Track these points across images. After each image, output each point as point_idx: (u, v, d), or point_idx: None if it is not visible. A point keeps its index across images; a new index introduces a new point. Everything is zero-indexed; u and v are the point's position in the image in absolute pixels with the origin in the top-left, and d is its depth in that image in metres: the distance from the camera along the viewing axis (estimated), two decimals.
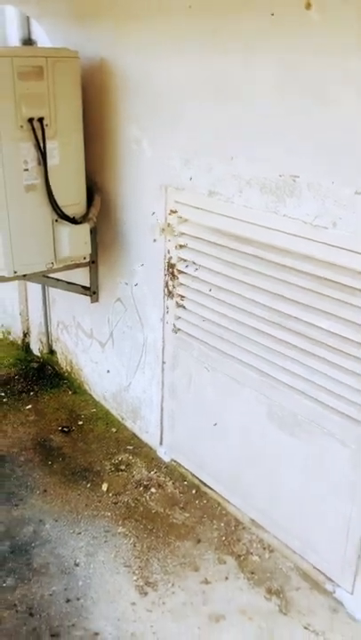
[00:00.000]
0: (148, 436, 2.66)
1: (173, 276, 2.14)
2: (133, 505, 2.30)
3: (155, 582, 1.94)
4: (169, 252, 2.12)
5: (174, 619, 1.80)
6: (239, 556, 2.04)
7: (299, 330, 1.77)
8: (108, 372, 2.84)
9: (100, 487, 2.40)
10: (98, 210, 2.36)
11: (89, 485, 2.41)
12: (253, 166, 1.70)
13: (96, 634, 1.76)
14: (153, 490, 2.39)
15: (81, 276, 2.66)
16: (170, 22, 1.84)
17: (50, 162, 2.08)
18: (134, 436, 2.73)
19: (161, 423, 2.53)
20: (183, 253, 2.07)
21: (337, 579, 1.87)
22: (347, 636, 1.77)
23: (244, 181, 1.74)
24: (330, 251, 1.60)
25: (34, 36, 2.47)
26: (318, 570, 1.93)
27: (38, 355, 3.21)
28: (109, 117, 2.22)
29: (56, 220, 2.18)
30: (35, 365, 3.18)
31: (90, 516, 2.23)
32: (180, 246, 2.08)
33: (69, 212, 2.20)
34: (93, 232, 2.43)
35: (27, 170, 2.04)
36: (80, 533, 2.15)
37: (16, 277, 2.22)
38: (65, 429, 2.76)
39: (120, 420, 2.85)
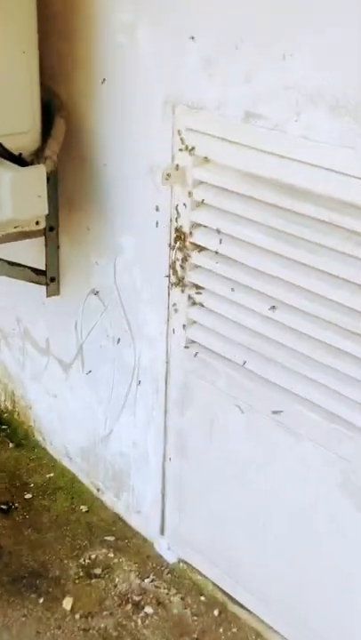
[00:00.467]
0: (141, 519, 2.66)
1: (185, 254, 2.13)
2: (116, 635, 2.30)
3: None
4: (178, 214, 2.12)
5: None
6: None
7: None
8: (75, 411, 2.84)
9: (61, 604, 2.42)
10: (60, 143, 2.36)
11: (42, 601, 2.43)
12: (322, 70, 1.68)
13: None
14: (149, 610, 2.40)
15: (31, 253, 2.67)
16: None
17: None
18: (118, 519, 2.75)
19: (162, 499, 2.54)
20: (201, 215, 2.07)
21: None
22: None
23: (304, 96, 1.73)
24: None
25: None
26: None
27: None
28: None
29: None
30: None
31: None
32: (197, 204, 2.07)
33: (11, 145, 2.20)
34: (53, 180, 2.42)
35: None
36: None
37: None
38: (3, 507, 2.77)
39: (94, 492, 2.86)
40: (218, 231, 2.03)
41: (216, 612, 2.38)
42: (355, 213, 1.72)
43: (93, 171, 2.40)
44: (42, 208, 2.27)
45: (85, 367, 2.72)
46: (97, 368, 2.66)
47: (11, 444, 3.09)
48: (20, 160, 2.23)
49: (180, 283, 2.17)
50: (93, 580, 2.50)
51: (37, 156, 2.28)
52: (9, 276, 2.64)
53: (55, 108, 2.38)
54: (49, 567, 2.54)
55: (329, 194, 1.75)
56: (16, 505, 2.79)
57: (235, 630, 2.33)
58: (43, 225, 2.35)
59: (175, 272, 2.17)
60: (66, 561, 2.57)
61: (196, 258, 2.12)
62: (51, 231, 2.57)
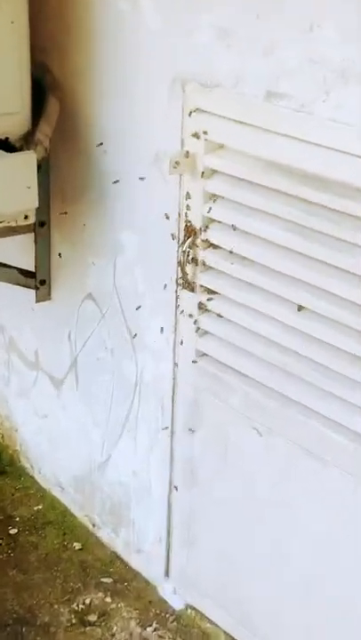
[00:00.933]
0: (143, 558, 2.67)
1: (195, 253, 2.14)
2: None
3: None
4: (187, 208, 2.13)
5: None
6: None
7: None
8: (67, 434, 2.84)
9: None
10: (53, 126, 2.37)
11: None
12: (355, 42, 1.68)
13: None
14: None
15: (18, 252, 2.68)
16: None
17: None
18: (116, 558, 2.75)
19: (167, 535, 2.54)
20: (214, 209, 2.07)
21: None
22: None
23: (333, 72, 1.73)
24: None
25: None
26: None
27: None
28: None
29: None
30: None
31: None
32: (210, 196, 2.07)
33: None
34: (44, 168, 2.43)
35: None
36: None
37: None
38: None
39: (89, 527, 2.86)
40: (233, 227, 2.03)
41: None
42: None
43: (91, 158, 2.41)
44: (31, 200, 2.28)
45: (80, 383, 2.72)
46: (93, 384, 2.67)
47: None
48: (6, 145, 2.24)
49: (190, 286, 2.18)
50: (88, 628, 2.49)
51: (27, 141, 2.29)
52: None
53: (48, 86, 2.40)
54: (37, 613, 2.54)
55: None
56: (0, 541, 2.79)
57: None
58: (32, 220, 2.35)
59: (184, 274, 2.18)
60: (56, 606, 2.56)
61: (208, 258, 2.12)
62: (41, 227, 2.58)
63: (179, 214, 2.16)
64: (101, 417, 2.66)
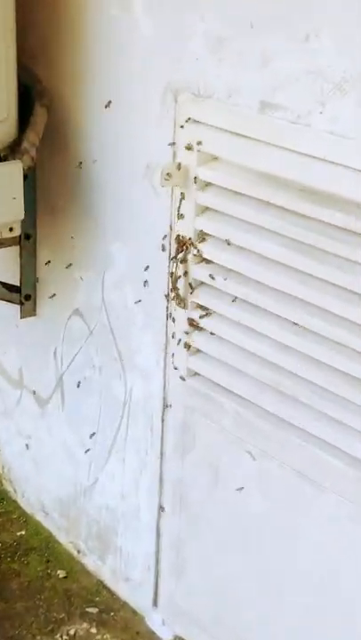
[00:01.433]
0: (130, 587, 2.66)
1: (187, 268, 2.16)
2: None
3: None
4: (179, 221, 2.14)
5: None
6: None
7: None
8: (52, 456, 2.84)
9: None
10: (40, 135, 2.38)
11: None
12: (352, 53, 1.70)
13: None
14: None
15: (2, 266, 2.70)
16: None
17: None
18: (102, 586, 2.74)
19: (156, 562, 2.54)
20: (207, 223, 2.09)
21: None
22: None
23: (330, 83, 1.75)
24: None
25: None
26: None
27: None
28: None
29: None
30: None
31: None
32: (203, 209, 2.09)
33: None
34: (30, 178, 2.45)
35: None
36: None
37: None
38: None
39: (74, 554, 2.85)
40: (227, 242, 2.04)
41: None
42: None
43: (80, 169, 2.42)
44: (17, 212, 2.29)
45: (66, 403, 2.72)
46: (80, 404, 2.67)
47: None
48: None
49: (182, 302, 2.19)
50: None
51: (12, 151, 2.30)
52: None
53: (35, 93, 2.40)
54: None
55: (359, 200, 1.76)
56: None
57: None
58: (18, 232, 2.37)
59: (175, 290, 2.18)
60: (39, 637, 2.55)
61: (200, 273, 2.13)
62: (27, 239, 2.59)
63: (170, 228, 2.17)
64: (89, 438, 2.67)
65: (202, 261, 2.13)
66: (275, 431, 2.08)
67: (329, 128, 1.77)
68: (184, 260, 2.15)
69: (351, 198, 1.77)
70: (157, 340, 2.32)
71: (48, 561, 2.83)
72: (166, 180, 2.07)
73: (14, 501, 3.05)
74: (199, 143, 2.03)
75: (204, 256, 2.11)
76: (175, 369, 2.28)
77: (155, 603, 2.58)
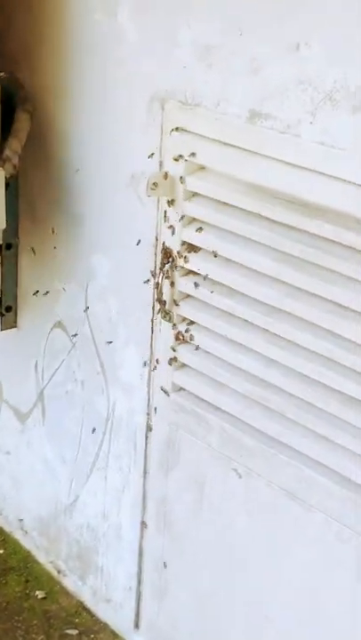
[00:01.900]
0: (111, 608, 2.66)
1: (173, 281, 2.16)
2: None
3: None
4: (165, 232, 2.15)
5: None
6: None
7: None
8: (32, 473, 2.83)
9: None
10: (23, 142, 2.38)
11: None
12: (344, 62, 1.72)
13: None
14: None
15: None
16: None
17: None
18: (82, 607, 2.73)
19: (138, 583, 2.54)
20: (193, 234, 2.09)
21: None
22: None
23: (321, 93, 1.76)
24: None
25: None
26: None
27: None
28: None
29: None
30: None
31: None
32: (189, 220, 2.10)
33: None
34: (12, 187, 2.46)
35: None
36: None
37: None
38: None
39: (54, 574, 2.85)
40: (214, 254, 2.05)
41: None
42: None
43: (63, 177, 2.43)
44: None
45: (47, 417, 2.72)
46: (61, 419, 2.67)
47: None
48: None
49: (167, 315, 2.19)
50: None
51: None
52: None
53: (18, 100, 2.41)
54: None
55: (349, 212, 1.77)
56: None
57: None
58: None
59: (161, 302, 2.19)
60: None
61: (186, 285, 2.14)
62: (8, 249, 2.59)
63: (156, 239, 2.18)
64: (69, 454, 2.66)
65: (188, 273, 2.14)
66: (261, 448, 2.08)
67: (319, 138, 1.78)
68: (170, 272, 2.16)
69: (341, 210, 1.78)
70: (141, 354, 2.32)
71: (27, 581, 2.82)
72: (152, 189, 2.08)
73: None
74: (186, 152, 2.03)
75: (190, 268, 2.12)
76: (159, 383, 2.29)
77: (136, 625, 2.58)
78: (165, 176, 2.08)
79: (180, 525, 2.36)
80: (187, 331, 2.17)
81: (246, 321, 2.03)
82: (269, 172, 1.88)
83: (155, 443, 2.36)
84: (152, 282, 2.22)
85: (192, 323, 2.16)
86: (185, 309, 2.16)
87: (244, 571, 2.23)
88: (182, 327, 2.18)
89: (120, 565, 2.58)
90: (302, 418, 1.98)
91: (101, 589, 2.67)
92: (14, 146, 2.34)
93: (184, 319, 2.18)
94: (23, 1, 2.36)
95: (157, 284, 2.18)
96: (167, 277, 2.16)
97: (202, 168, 2.05)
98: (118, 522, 2.55)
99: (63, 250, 2.49)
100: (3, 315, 2.66)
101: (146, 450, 2.39)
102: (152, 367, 2.30)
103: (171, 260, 2.14)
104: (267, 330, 2.00)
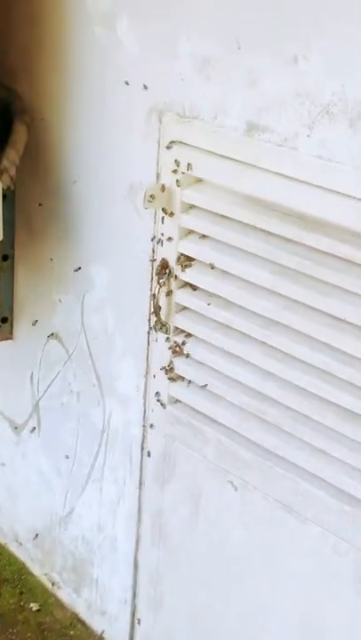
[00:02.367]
0: (106, 621, 2.65)
1: (170, 293, 2.16)
2: None
3: None
4: (162, 244, 2.15)
5: None
6: None
7: None
8: (27, 484, 2.83)
9: None
10: (20, 154, 2.39)
11: None
12: (341, 75, 1.72)
13: None
14: None
15: None
16: None
17: None
18: (76, 620, 2.73)
19: (133, 596, 2.54)
20: (190, 247, 2.10)
21: None
22: None
23: (318, 106, 1.77)
24: None
25: None
26: None
27: None
28: None
29: None
30: None
31: None
32: (186, 232, 2.10)
33: None
34: (9, 198, 2.46)
35: None
36: None
37: None
38: None
39: (48, 586, 2.84)
40: (211, 266, 2.05)
41: None
42: None
43: (60, 189, 2.43)
44: None
45: (42, 429, 2.72)
46: (56, 431, 2.67)
47: None
48: None
49: (164, 327, 2.19)
50: None
51: None
52: None
53: (15, 111, 2.42)
54: None
55: (346, 225, 1.78)
56: None
57: None
58: None
59: (157, 314, 2.19)
60: None
61: (183, 297, 2.14)
62: (4, 261, 2.60)
63: (153, 250, 2.18)
64: (64, 466, 2.66)
65: (185, 285, 2.14)
66: (257, 461, 2.08)
67: (316, 152, 1.78)
68: (166, 284, 2.16)
69: (338, 223, 1.79)
70: (138, 366, 2.32)
71: (21, 593, 2.81)
72: (150, 201, 2.08)
73: None
74: (184, 165, 2.04)
75: (187, 280, 2.12)
76: (156, 395, 2.29)
77: (131, 637, 2.58)
78: (163, 188, 2.09)
79: (176, 538, 2.35)
80: (183, 343, 2.17)
81: (243, 333, 2.03)
82: (266, 184, 1.89)
83: (150, 455, 2.36)
84: (149, 294, 2.22)
85: (189, 335, 2.17)
86: (181, 321, 2.16)
87: (239, 583, 2.23)
88: (179, 339, 2.18)
89: (115, 578, 2.58)
90: (299, 431, 1.98)
91: (96, 602, 2.67)
92: (12, 157, 2.35)
93: (181, 331, 2.18)
94: (22, 13, 2.36)
95: (154, 295, 2.18)
96: (164, 289, 2.16)
97: (199, 180, 2.05)
98: (113, 534, 2.55)
99: (60, 261, 2.49)
100: None
101: (141, 462, 2.39)
102: (148, 379, 2.30)
103: (167, 271, 2.14)
104: (263, 342, 2.00)
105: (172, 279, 2.15)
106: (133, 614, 2.55)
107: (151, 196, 2.07)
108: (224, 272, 2.04)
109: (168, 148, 2.06)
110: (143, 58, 2.10)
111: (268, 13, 1.82)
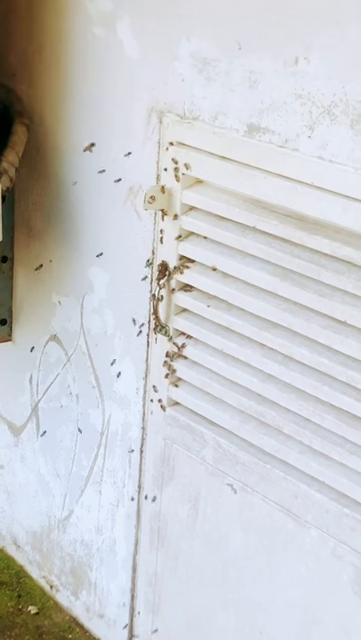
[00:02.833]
0: (104, 624, 2.65)
1: (170, 294, 2.17)
2: None
3: None
4: (162, 246, 2.15)
5: None
6: None
7: None
8: (26, 487, 2.83)
9: None
10: (19, 155, 2.38)
11: None
12: (343, 76, 1.72)
13: None
14: None
15: None
16: None
17: None
18: (75, 623, 2.73)
19: (132, 599, 2.53)
20: (191, 248, 2.10)
21: None
22: None
23: (319, 107, 1.77)
24: None
25: None
26: None
27: None
28: None
29: None
30: None
31: None
32: (187, 234, 2.10)
33: None
34: (8, 200, 2.46)
35: None
36: None
37: None
38: None
39: (46, 589, 2.84)
40: (211, 268, 2.05)
41: None
42: None
43: (59, 190, 2.43)
44: None
45: (41, 431, 2.72)
46: (55, 433, 2.67)
47: None
48: None
49: (163, 329, 2.19)
50: None
51: None
52: None
53: (15, 112, 2.41)
54: None
55: (347, 226, 1.78)
56: None
57: None
58: None
59: (157, 316, 2.19)
60: None
61: (183, 299, 2.14)
62: (4, 262, 2.60)
63: (153, 252, 2.19)
64: (63, 468, 2.66)
65: (184, 287, 2.14)
66: (257, 463, 2.08)
67: (317, 153, 1.79)
68: (166, 286, 2.16)
69: (339, 224, 1.79)
70: (137, 368, 2.32)
71: (19, 596, 2.81)
72: (150, 203, 2.08)
73: None
74: (184, 166, 2.04)
75: (187, 282, 2.13)
76: (155, 398, 2.29)
77: (130, 639, 2.58)
78: (163, 189, 2.09)
79: (175, 541, 2.35)
80: (183, 345, 2.17)
81: (243, 335, 2.03)
82: (267, 186, 1.89)
83: (149, 457, 2.36)
84: (148, 295, 2.22)
85: (188, 337, 2.17)
86: (181, 323, 2.16)
87: (238, 586, 2.22)
88: (178, 341, 2.18)
89: (113, 581, 2.58)
90: (298, 433, 1.98)
91: (95, 605, 2.66)
92: (11, 158, 2.35)
93: (180, 333, 2.18)
94: (21, 15, 2.36)
95: (154, 297, 2.18)
96: (164, 290, 2.16)
97: (199, 182, 2.05)
98: (112, 537, 2.54)
99: (59, 263, 2.49)
100: None
101: (140, 464, 2.39)
102: (147, 382, 2.30)
103: (167, 273, 2.14)
104: (263, 344, 2.00)
105: (171, 281, 2.15)
106: (132, 617, 2.55)
107: (151, 197, 2.08)
108: (224, 274, 2.04)
109: (168, 149, 2.06)
110: (143, 59, 2.11)
111: (268, 14, 1.82)
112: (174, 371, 2.22)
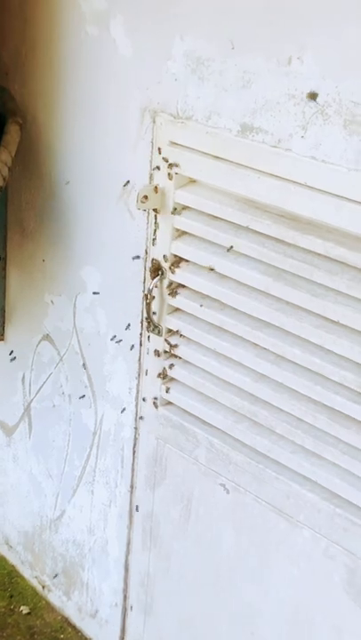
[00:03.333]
0: (96, 624, 2.65)
1: (162, 294, 2.17)
2: None
3: None
4: (155, 245, 2.15)
5: None
6: None
7: None
8: (18, 487, 2.83)
9: None
10: (12, 154, 2.38)
11: None
12: (336, 77, 1.73)
13: None
14: None
15: None
16: None
17: None
18: (67, 623, 2.73)
19: (124, 599, 2.54)
20: (183, 248, 2.10)
21: None
22: None
23: (312, 107, 1.78)
24: None
25: None
26: None
27: None
28: None
29: None
30: None
31: None
32: (180, 233, 2.11)
33: None
34: (1, 199, 2.46)
35: None
36: None
37: None
38: None
39: (38, 589, 2.84)
40: (204, 267, 2.06)
41: None
42: None
43: (53, 189, 2.43)
44: None
45: (33, 431, 2.72)
46: (48, 433, 2.67)
47: None
48: None
49: (156, 329, 2.20)
50: None
51: None
52: None
53: (8, 111, 2.41)
54: None
55: (340, 226, 1.78)
56: None
57: None
58: None
59: (150, 315, 2.19)
60: None
61: (176, 299, 2.15)
62: None
63: (146, 251, 2.19)
64: (55, 468, 2.66)
65: (177, 287, 2.14)
66: (249, 463, 2.09)
67: (310, 153, 1.79)
68: (158, 286, 2.16)
69: (332, 224, 1.79)
70: (130, 368, 2.32)
71: (11, 596, 2.81)
72: (143, 202, 2.08)
73: None
74: (177, 166, 2.05)
75: (180, 281, 2.13)
76: (148, 398, 2.29)
77: (122, 639, 2.58)
78: (156, 189, 2.09)
79: (167, 541, 2.36)
80: (175, 344, 2.17)
81: (235, 335, 2.04)
82: (260, 185, 1.89)
83: (142, 457, 2.36)
84: (141, 295, 2.22)
85: (181, 336, 2.17)
86: (174, 322, 2.16)
87: (230, 586, 2.23)
88: (171, 341, 2.18)
89: (106, 581, 2.58)
90: (291, 433, 1.98)
91: (87, 605, 2.67)
92: (4, 157, 2.35)
93: (173, 332, 2.18)
94: (14, 13, 2.36)
95: (146, 296, 2.18)
96: (156, 289, 2.16)
97: (192, 181, 2.05)
98: (104, 537, 2.55)
99: (52, 262, 2.50)
100: None
101: (133, 464, 2.39)
102: (140, 381, 2.30)
103: (160, 272, 2.15)
104: (256, 344, 2.00)
105: (164, 280, 2.15)
106: (124, 618, 2.55)
107: (144, 196, 2.08)
108: (217, 273, 2.04)
109: (161, 148, 2.06)
110: (137, 58, 2.10)
111: (262, 14, 1.82)
112: (167, 370, 2.22)
